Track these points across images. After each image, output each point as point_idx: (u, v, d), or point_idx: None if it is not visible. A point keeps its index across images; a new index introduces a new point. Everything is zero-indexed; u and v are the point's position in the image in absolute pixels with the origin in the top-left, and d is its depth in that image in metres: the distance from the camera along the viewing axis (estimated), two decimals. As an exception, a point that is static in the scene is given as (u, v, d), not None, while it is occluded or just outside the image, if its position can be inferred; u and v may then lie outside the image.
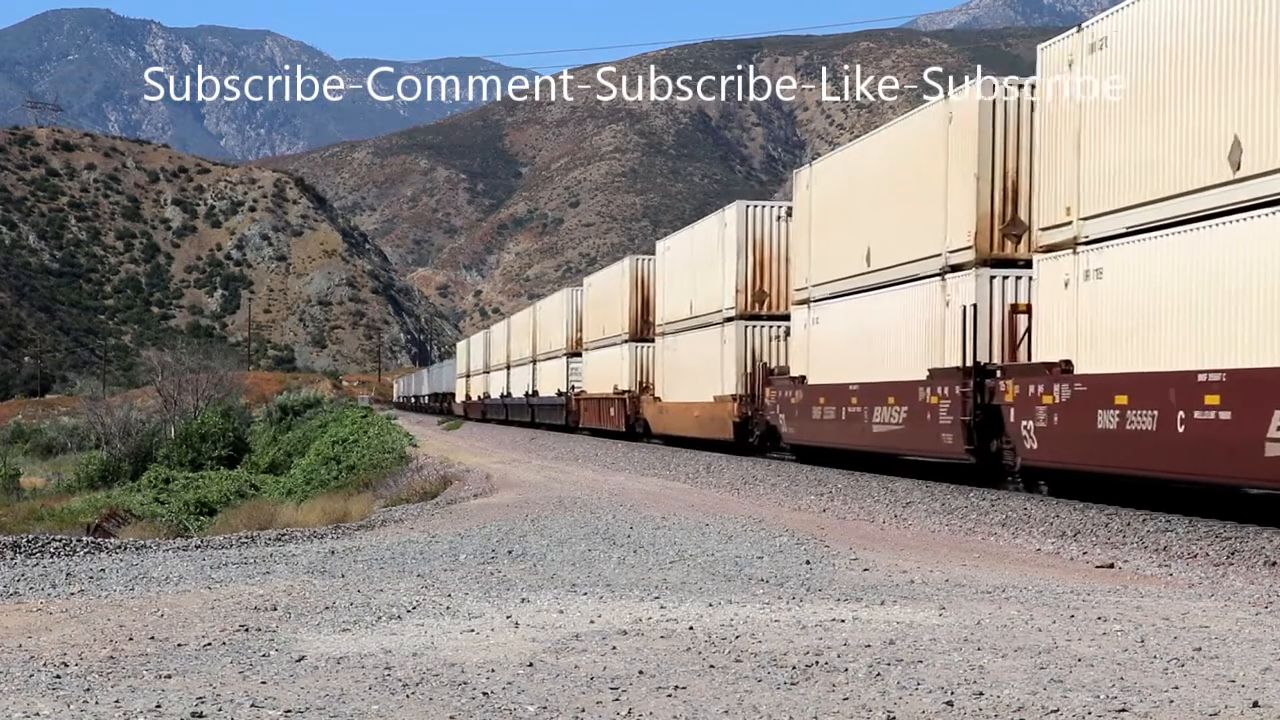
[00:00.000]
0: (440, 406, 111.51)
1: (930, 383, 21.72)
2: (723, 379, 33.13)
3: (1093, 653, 7.36)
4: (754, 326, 32.44)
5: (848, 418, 25.34)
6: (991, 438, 20.11)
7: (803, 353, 28.79)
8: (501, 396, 74.01)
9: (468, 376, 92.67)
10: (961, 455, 20.88)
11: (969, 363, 20.31)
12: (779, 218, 32.45)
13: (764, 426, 31.05)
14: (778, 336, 31.90)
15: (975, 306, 20.36)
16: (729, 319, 33.10)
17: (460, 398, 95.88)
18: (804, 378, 28.36)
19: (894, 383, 23.27)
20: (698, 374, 35.39)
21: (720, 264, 33.69)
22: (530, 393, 64.06)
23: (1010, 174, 20.57)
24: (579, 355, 54.04)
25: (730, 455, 32.90)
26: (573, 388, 54.23)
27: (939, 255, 21.83)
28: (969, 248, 20.82)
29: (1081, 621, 8.47)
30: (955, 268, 21.33)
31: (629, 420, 43.74)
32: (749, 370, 32.14)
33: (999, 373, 19.87)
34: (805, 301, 28.70)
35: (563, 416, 55.42)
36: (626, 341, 44.91)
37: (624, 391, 44.31)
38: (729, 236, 33.28)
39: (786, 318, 30.91)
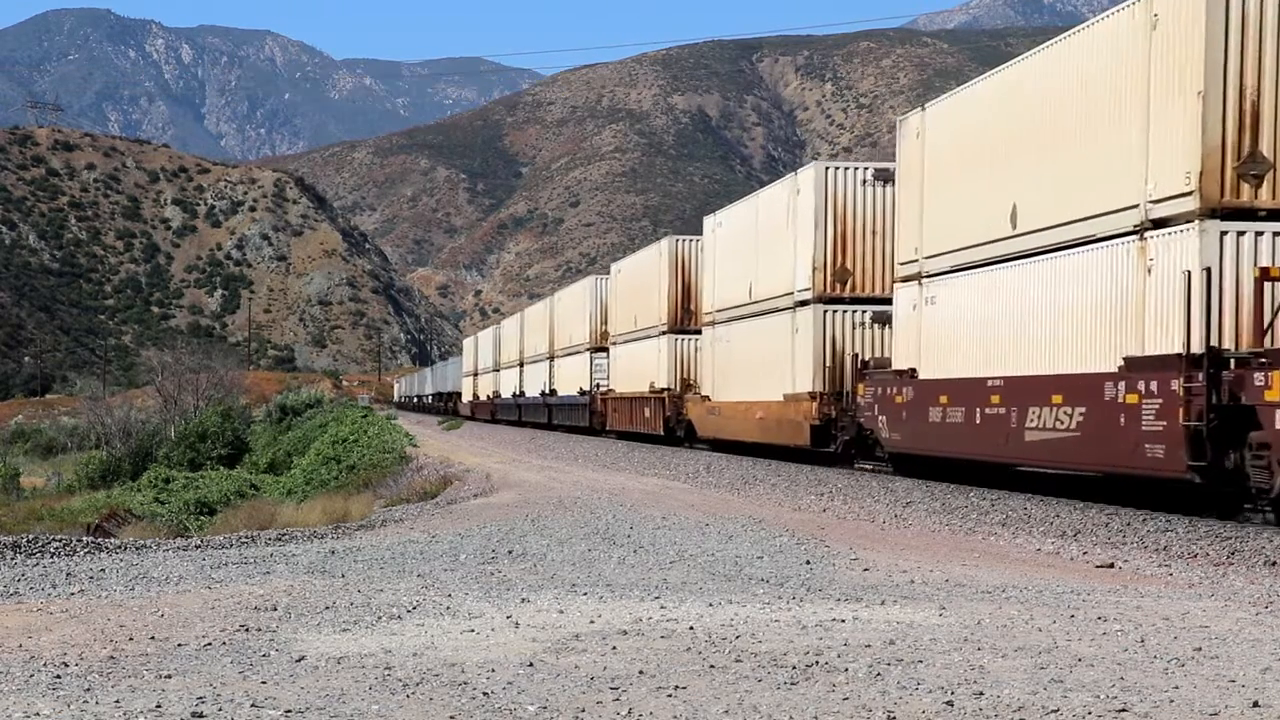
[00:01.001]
0: (445, 407, 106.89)
1: (1126, 376, 16.53)
2: (794, 374, 28.42)
3: (1093, 653, 7.36)
4: (835, 311, 27.42)
5: (984, 421, 20.08)
6: (1230, 449, 14.98)
7: (911, 340, 23.57)
8: (514, 396, 69.75)
9: (475, 375, 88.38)
10: (1177, 472, 15.53)
11: (1196, 348, 15.25)
12: (865, 181, 27.44)
13: (853, 430, 26.27)
14: (863, 323, 27.29)
15: (1207, 272, 15.28)
16: (803, 303, 28.14)
17: (467, 397, 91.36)
18: (913, 371, 23.32)
19: (1062, 376, 18.23)
20: (760, 369, 30.74)
21: (791, 238, 28.78)
22: (547, 391, 59.81)
23: (1249, 92, 15.55)
24: (604, 350, 49.90)
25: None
26: (597, 386, 50.00)
27: (1134, 207, 16.77)
28: (1188, 193, 15.67)
29: (1082, 621, 8.47)
30: (1161, 221, 16.30)
31: (668, 422, 39.24)
32: (830, 363, 27.33)
33: (1253, 361, 14.81)
34: (914, 278, 23.50)
35: (585, 418, 51.08)
36: (665, 333, 40.16)
37: (662, 390, 39.85)
38: (803, 205, 28.16)
39: (877, 300, 26.85)
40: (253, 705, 6.16)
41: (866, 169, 27.75)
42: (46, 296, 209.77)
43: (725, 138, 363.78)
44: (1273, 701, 6.15)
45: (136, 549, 14.75)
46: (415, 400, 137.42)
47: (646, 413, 41.36)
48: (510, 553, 12.54)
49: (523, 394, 66.98)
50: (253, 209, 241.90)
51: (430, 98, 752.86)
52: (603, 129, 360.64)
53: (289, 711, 6.06)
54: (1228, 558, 12.52)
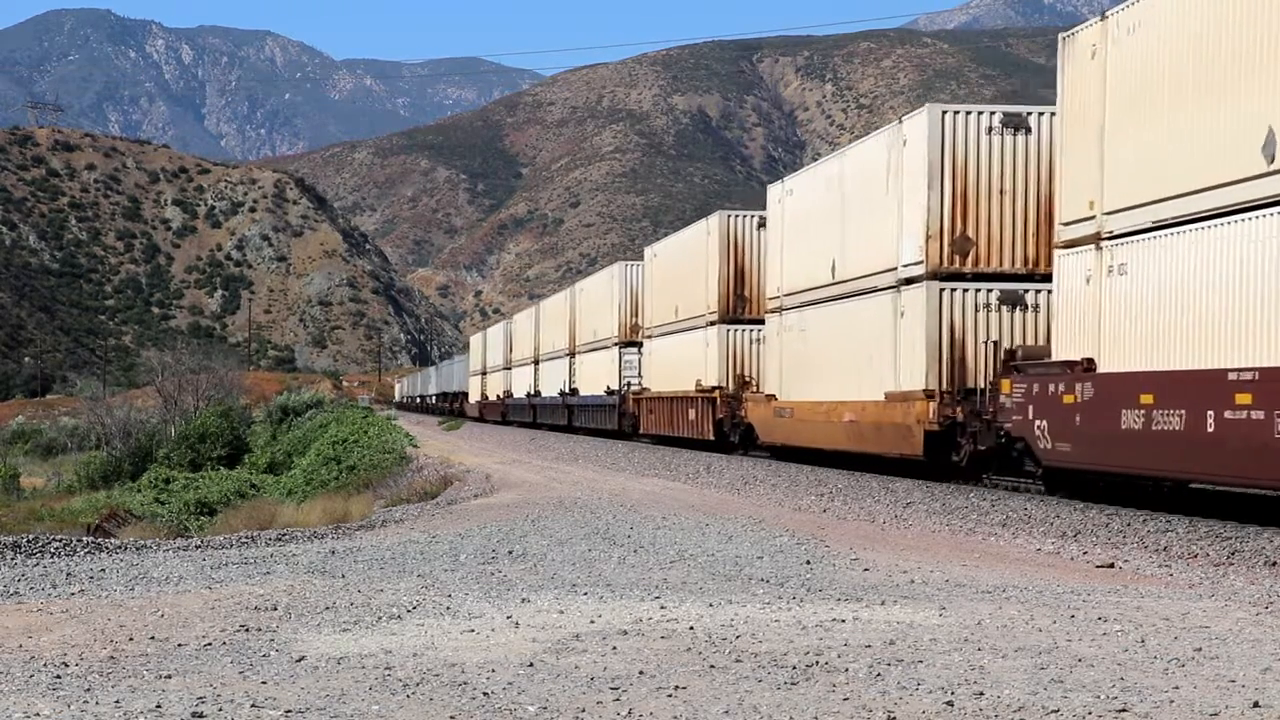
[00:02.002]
0: (450, 408, 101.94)
1: None
2: (899, 368, 23.16)
3: (1093, 653, 7.36)
4: (954, 290, 22.10)
5: (1223, 429, 14.59)
6: None
7: (1084, 323, 18.46)
8: (528, 396, 64.66)
9: (484, 374, 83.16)
10: None
11: None
12: (991, 129, 22.17)
13: (991, 439, 20.90)
14: (988, 305, 22.06)
15: None
16: (910, 280, 22.85)
17: (475, 397, 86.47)
18: (1089, 362, 18.15)
19: None
20: (850, 362, 25.64)
21: (894, 202, 23.59)
22: (568, 391, 54.73)
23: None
24: (635, 345, 45.28)
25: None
26: (628, 385, 45.07)
27: None
28: None
29: (1082, 622, 8.47)
30: None
31: (720, 426, 34.20)
32: (949, 354, 22.06)
33: None
34: (1087, 241, 18.24)
35: (614, 420, 46.04)
36: (714, 324, 34.64)
37: (711, 389, 34.39)
38: (912, 160, 22.91)
39: (1007, 277, 22.02)
40: (253, 705, 6.16)
41: (992, 113, 22.58)
42: (46, 296, 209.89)
43: (725, 138, 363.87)
44: (1273, 702, 6.15)
45: (136, 549, 14.75)
46: (418, 401, 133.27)
47: (691, 415, 36.14)
48: (510, 553, 12.54)
49: (538, 394, 62.39)
50: (253, 209, 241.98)
51: (430, 98, 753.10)
52: (603, 129, 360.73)
53: (289, 712, 6.06)
54: (1228, 558, 12.52)
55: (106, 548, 14.87)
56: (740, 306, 34.36)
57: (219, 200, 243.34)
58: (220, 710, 6.08)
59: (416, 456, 35.73)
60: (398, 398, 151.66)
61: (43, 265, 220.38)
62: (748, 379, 33.41)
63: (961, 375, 21.92)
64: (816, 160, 30.82)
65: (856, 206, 25.72)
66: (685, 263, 38.26)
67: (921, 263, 22.38)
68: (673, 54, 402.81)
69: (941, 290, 22.08)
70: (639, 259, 47.67)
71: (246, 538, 16.36)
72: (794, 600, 9.45)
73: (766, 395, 30.89)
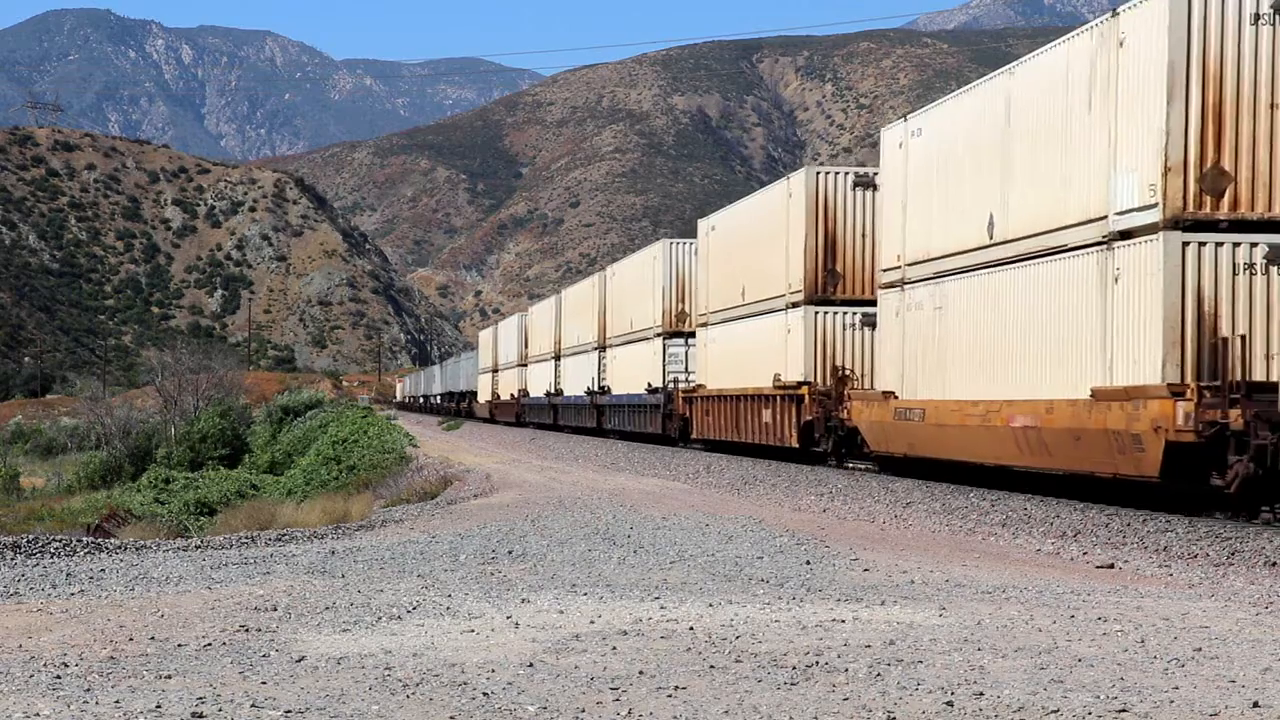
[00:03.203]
0: (457, 408, 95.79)
1: None
2: (1112, 355, 17.02)
3: (1093, 653, 7.36)
4: (1206, 244, 15.99)
5: None
6: None
7: None
8: (548, 395, 58.64)
9: (495, 371, 76.81)
10: None
11: None
12: (1258, 17, 15.97)
13: None
14: (1250, 265, 16.00)
15: None
16: (1131, 232, 16.76)
17: (485, 397, 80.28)
18: None
19: None
20: (1022, 349, 19.29)
21: (1103, 124, 17.41)
22: (596, 389, 48.72)
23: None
24: (682, 335, 39.60)
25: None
26: (674, 381, 39.26)
27: None
28: None
29: (1082, 622, 8.47)
30: None
31: (809, 430, 27.91)
32: (1200, 333, 15.91)
33: None
34: None
35: (657, 422, 40.21)
36: (797, 306, 28.50)
37: (796, 384, 28.05)
38: (1138, 60, 16.77)
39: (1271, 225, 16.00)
40: (253, 705, 6.16)
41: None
42: (46, 296, 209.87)
43: (725, 138, 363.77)
44: (1273, 702, 6.15)
45: (136, 549, 14.75)
46: (422, 401, 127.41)
47: (766, 417, 30.14)
48: (510, 553, 12.54)
49: (559, 392, 56.58)
50: (253, 209, 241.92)
51: (430, 98, 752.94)
52: (603, 129, 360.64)
53: (289, 712, 6.06)
54: (1228, 558, 12.52)
55: (106, 548, 14.86)
56: (831, 284, 28.15)
57: (219, 200, 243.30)
58: (220, 710, 6.08)
59: (416, 456, 35.73)
60: (399, 397, 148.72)
61: (43, 265, 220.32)
62: (847, 373, 26.99)
63: (1223, 364, 15.60)
64: (951, 93, 23.50)
65: (1031, 140, 19.44)
66: (756, 234, 32.01)
67: (1153, 206, 16.25)
68: (673, 54, 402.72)
69: (1186, 244, 16.01)
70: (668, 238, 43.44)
71: (246, 538, 16.36)
72: (794, 600, 9.45)
73: (883, 393, 24.04)
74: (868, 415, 24.90)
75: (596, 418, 48.96)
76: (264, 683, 6.69)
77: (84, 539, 15.94)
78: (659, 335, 40.95)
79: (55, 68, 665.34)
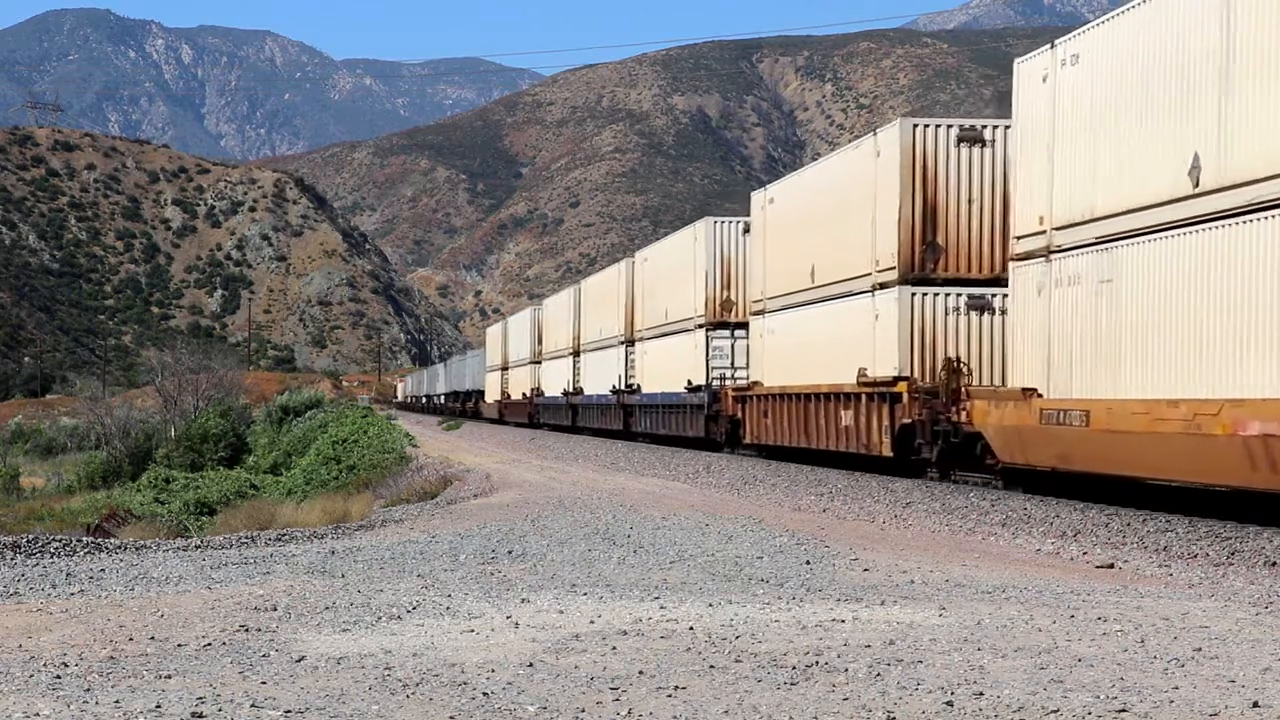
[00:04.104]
0: (462, 408, 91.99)
1: None
2: None
3: (1093, 653, 7.37)
4: None
5: None
6: None
7: None
8: (566, 394, 54.56)
9: (505, 369, 72.83)
10: None
11: None
12: None
13: None
14: None
15: None
16: None
17: (493, 396, 76.60)
18: None
19: None
20: (1262, 333, 14.25)
21: None
22: (623, 388, 44.77)
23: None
24: (727, 327, 35.51)
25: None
26: (721, 378, 35.08)
27: None
28: None
29: (1081, 622, 8.47)
30: None
31: (906, 436, 23.11)
32: None
33: None
34: None
35: (699, 425, 36.06)
36: (888, 287, 23.73)
37: (890, 380, 23.46)
38: None
39: None
40: (253, 705, 6.16)
41: None
42: (46, 296, 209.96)
43: (725, 138, 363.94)
44: (1273, 702, 6.15)
45: (136, 549, 14.75)
46: (424, 401, 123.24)
47: (846, 419, 25.80)
48: (510, 553, 12.54)
49: (578, 391, 52.58)
50: (253, 209, 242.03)
51: (430, 98, 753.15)
52: (603, 129, 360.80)
53: (289, 712, 6.06)
54: (1228, 558, 12.53)
55: (106, 548, 14.86)
56: (931, 260, 23.47)
57: (219, 200, 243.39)
58: (220, 710, 6.08)
59: (416, 456, 35.74)
60: (401, 397, 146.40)
61: (42, 265, 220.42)
62: (959, 366, 22.18)
63: None
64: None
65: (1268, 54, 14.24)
66: (831, 204, 27.15)
67: None
68: (673, 54, 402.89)
69: None
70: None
71: (246, 538, 16.36)
72: (794, 600, 9.46)
73: (1023, 390, 19.22)
74: (997, 418, 19.82)
75: (623, 419, 44.79)
76: (264, 683, 6.69)
77: (84, 539, 15.94)
78: (701, 326, 36.32)
79: (55, 68, 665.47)
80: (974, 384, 21.82)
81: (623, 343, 45.67)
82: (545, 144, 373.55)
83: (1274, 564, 11.98)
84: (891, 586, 10.29)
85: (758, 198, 32.50)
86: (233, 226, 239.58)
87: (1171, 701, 6.16)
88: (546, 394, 59.76)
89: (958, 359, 22.09)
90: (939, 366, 22.33)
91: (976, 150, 23.21)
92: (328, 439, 46.31)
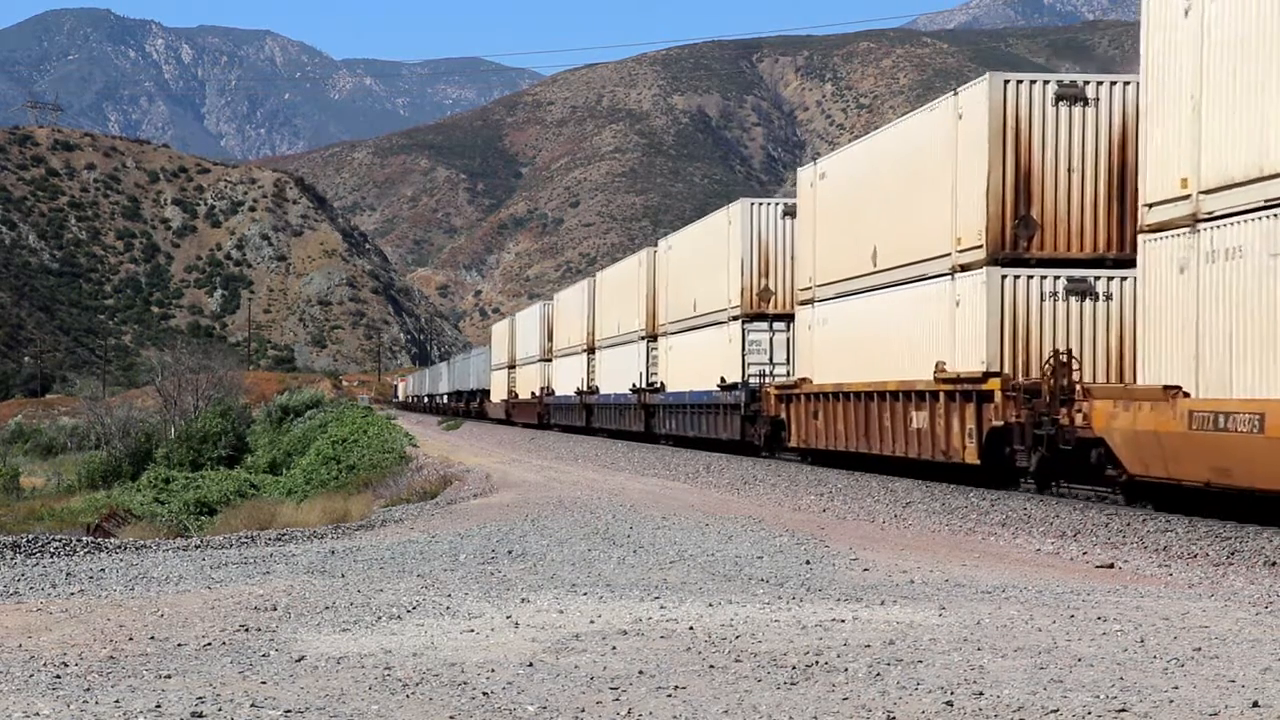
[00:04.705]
0: (466, 408, 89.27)
1: None
2: None
3: (1093, 653, 7.36)
4: None
5: None
6: None
7: None
8: (579, 393, 51.68)
9: (512, 368, 69.83)
10: None
11: None
12: None
13: None
14: None
15: None
16: None
17: (499, 396, 73.59)
18: None
19: None
20: None
21: None
22: (644, 386, 42.04)
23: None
24: (765, 319, 32.55)
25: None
26: (760, 375, 32.10)
27: None
28: None
29: (1081, 621, 8.47)
30: None
31: (998, 440, 20.04)
32: None
33: None
34: None
35: (734, 427, 33.11)
36: (971, 270, 20.70)
37: (977, 377, 20.17)
38: None
39: None
40: (252, 705, 6.16)
41: None
42: (46, 296, 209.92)
43: (725, 138, 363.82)
44: (1273, 701, 6.15)
45: (136, 549, 14.75)
46: (426, 401, 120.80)
47: (919, 420, 22.39)
48: (510, 553, 12.54)
49: (593, 390, 49.88)
50: (253, 209, 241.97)
51: (430, 98, 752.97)
52: (603, 129, 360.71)
53: (289, 711, 6.06)
54: (1228, 558, 12.53)
55: (106, 548, 14.87)
56: (1024, 237, 20.37)
57: (219, 200, 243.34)
58: (220, 710, 6.08)
59: (416, 456, 35.74)
60: (401, 397, 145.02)
61: (42, 265, 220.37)
62: (1068, 359, 18.89)
63: None
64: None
65: None
66: (899, 175, 23.75)
67: None
68: (672, 54, 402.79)
69: None
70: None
71: (246, 538, 16.36)
72: (794, 600, 9.46)
73: (1164, 389, 15.82)
74: (1127, 422, 16.54)
75: (645, 420, 42.14)
76: (264, 682, 6.69)
77: (84, 539, 15.95)
78: (736, 319, 33.15)
79: (55, 68, 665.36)
80: (1115, 383, 18.74)
81: (644, 338, 42.86)
82: (545, 144, 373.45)
83: (1274, 564, 11.98)
84: (891, 586, 10.29)
85: (805, 174, 29.16)
86: (233, 226, 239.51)
87: (1171, 701, 6.16)
88: (558, 393, 57.05)
89: (1068, 351, 18.97)
90: (1035, 360, 19.58)
91: (1078, 110, 20.18)
92: (327, 439, 46.33)
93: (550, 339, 60.04)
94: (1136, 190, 17.59)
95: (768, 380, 31.49)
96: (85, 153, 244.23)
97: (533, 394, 62.60)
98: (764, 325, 32.64)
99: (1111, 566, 12.14)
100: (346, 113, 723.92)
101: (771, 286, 32.54)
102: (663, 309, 40.77)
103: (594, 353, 50.33)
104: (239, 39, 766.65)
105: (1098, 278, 19.74)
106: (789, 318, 31.09)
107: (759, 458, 31.55)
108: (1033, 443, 18.80)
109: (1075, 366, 18.84)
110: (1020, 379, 19.53)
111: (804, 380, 28.10)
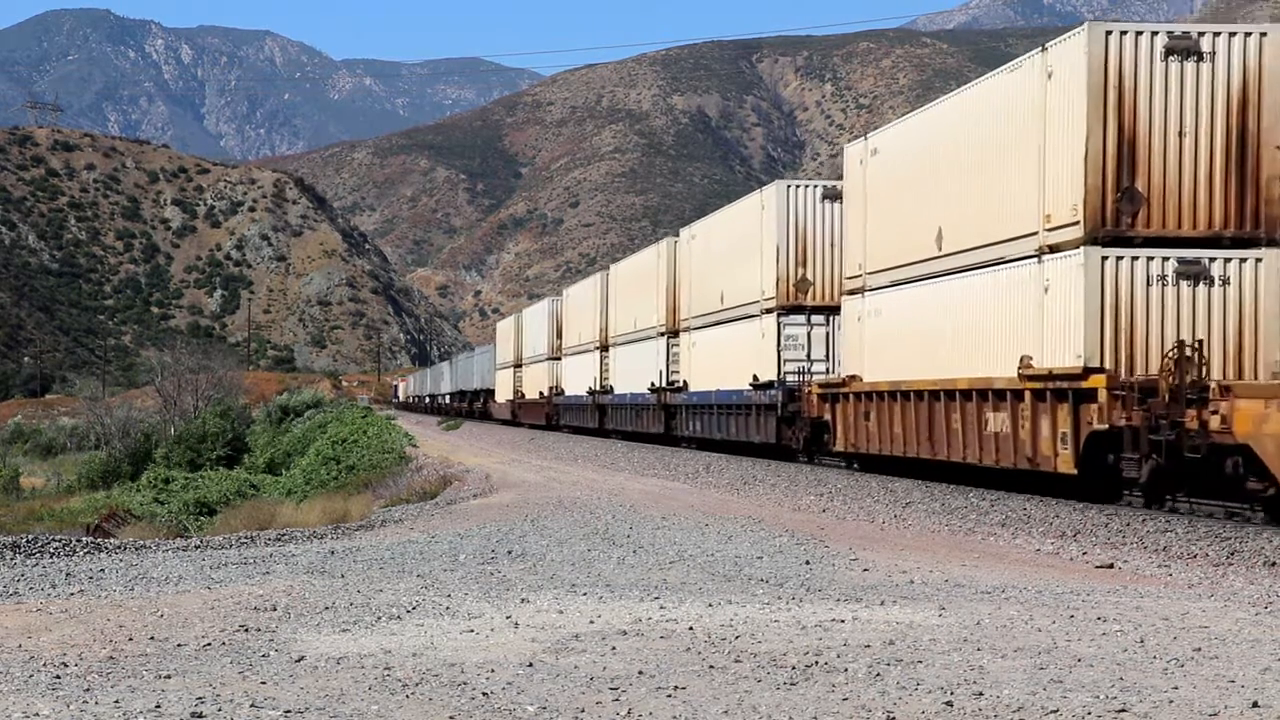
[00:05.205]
0: (469, 409, 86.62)
1: None
2: None
3: (1092, 653, 7.36)
4: None
5: None
6: None
7: None
8: (592, 393, 49.06)
9: (518, 367, 67.28)
10: None
11: None
12: None
13: None
14: None
15: None
16: None
17: (505, 396, 70.91)
18: None
19: None
20: None
21: None
22: (664, 385, 39.34)
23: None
24: (803, 312, 29.94)
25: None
26: (800, 374, 29.29)
27: None
28: None
29: (1081, 622, 8.47)
30: None
31: (1098, 447, 17.32)
32: None
33: None
34: None
35: (769, 429, 30.41)
36: (1063, 250, 18.21)
37: (1075, 374, 17.54)
38: None
39: None
40: (252, 705, 6.16)
41: None
42: (46, 296, 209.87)
43: (725, 138, 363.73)
44: (1272, 701, 6.15)
45: (136, 549, 14.75)
46: (428, 401, 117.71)
47: (995, 423, 19.85)
48: (510, 553, 12.54)
49: (607, 389, 47.25)
50: (252, 209, 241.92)
51: (430, 98, 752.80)
52: (602, 129, 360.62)
53: (289, 711, 6.06)
54: (1227, 558, 12.52)
55: (106, 548, 14.86)
56: (1129, 213, 17.49)
57: (218, 200, 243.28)
58: (220, 710, 6.07)
59: (416, 457, 35.73)
60: (402, 397, 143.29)
61: (42, 265, 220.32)
62: (1191, 352, 16.09)
63: None
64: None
65: None
66: (967, 146, 21.10)
67: None
68: (672, 54, 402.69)
69: None
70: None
71: (246, 538, 16.36)
72: (793, 600, 9.45)
73: None
74: None
75: (664, 421, 39.63)
76: (264, 683, 6.68)
77: (83, 539, 15.94)
78: (770, 311, 30.37)
79: (55, 68, 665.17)
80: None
81: (663, 334, 39.89)
82: (545, 144, 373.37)
83: (1274, 564, 11.98)
84: (891, 586, 10.28)
85: (853, 150, 26.22)
86: (232, 226, 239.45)
87: (1171, 701, 6.16)
88: (568, 392, 54.29)
89: (1196, 343, 16.30)
90: (1139, 354, 17.17)
91: (1191, 65, 17.55)
92: (327, 439, 46.31)
93: (559, 336, 57.54)
94: (1259, 159, 16.56)
95: (807, 378, 28.85)
96: (85, 153, 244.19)
97: (540, 394, 60.22)
98: (801, 318, 29.98)
99: (1111, 567, 12.14)
100: (346, 113, 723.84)
101: (810, 276, 29.98)
102: (685, 303, 37.89)
103: (607, 350, 47.79)
104: (239, 39, 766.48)
105: (1213, 259, 17.26)
106: (830, 310, 28.97)
107: (798, 463, 28.96)
108: (1148, 451, 16.04)
109: (1204, 361, 16.15)
110: (1125, 375, 16.94)
111: (853, 378, 25.42)
